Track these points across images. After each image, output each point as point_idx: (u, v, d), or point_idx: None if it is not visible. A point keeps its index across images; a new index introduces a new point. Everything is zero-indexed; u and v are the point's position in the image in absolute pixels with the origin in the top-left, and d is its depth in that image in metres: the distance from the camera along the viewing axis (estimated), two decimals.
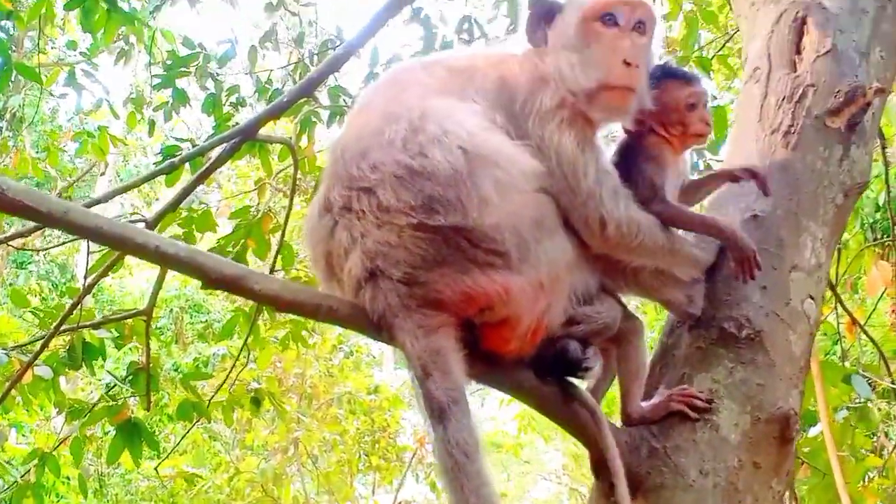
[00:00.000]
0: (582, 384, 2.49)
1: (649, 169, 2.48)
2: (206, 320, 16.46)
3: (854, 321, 5.94)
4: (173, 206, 5.64)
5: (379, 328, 2.24)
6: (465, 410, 2.14)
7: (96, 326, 5.81)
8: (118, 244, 2.14)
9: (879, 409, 10.22)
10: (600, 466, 2.45)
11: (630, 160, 2.52)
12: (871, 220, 10.35)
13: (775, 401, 2.43)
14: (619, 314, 2.47)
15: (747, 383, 2.42)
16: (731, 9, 3.24)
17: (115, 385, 6.44)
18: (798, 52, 2.79)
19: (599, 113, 2.43)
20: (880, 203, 9.26)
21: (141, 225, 5.33)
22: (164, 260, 2.05)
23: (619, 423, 2.53)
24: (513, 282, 2.20)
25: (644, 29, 2.45)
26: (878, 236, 10.69)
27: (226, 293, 6.84)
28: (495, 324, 2.26)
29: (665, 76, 2.59)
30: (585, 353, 2.39)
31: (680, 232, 2.50)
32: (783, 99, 2.72)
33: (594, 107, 2.41)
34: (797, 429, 2.47)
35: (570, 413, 2.44)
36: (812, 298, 2.57)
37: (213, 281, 2.09)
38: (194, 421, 6.71)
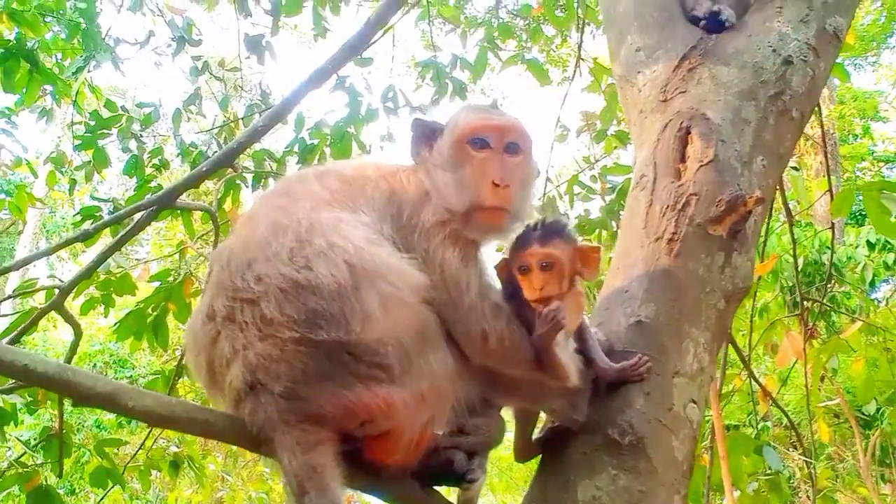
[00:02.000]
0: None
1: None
2: (132, 375, 16.19)
3: (766, 393, 6.05)
4: (88, 273, 5.59)
5: (258, 442, 2.22)
6: None
7: (8, 392, 5.70)
8: None
9: (800, 469, 10.43)
10: None
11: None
12: (790, 284, 10.60)
13: None
14: (503, 428, 2.50)
15: (630, 490, 2.44)
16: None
17: (25, 452, 6.32)
18: (683, 160, 2.88)
19: (475, 232, 2.46)
20: (795, 267, 9.54)
21: (56, 292, 5.31)
22: (32, 379, 2.03)
23: None
24: (395, 395, 2.21)
25: (517, 149, 2.51)
26: (796, 299, 10.97)
27: (149, 347, 6.80)
28: (378, 436, 2.27)
29: (513, 244, 2.54)
30: (471, 464, 2.41)
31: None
32: (667, 207, 2.79)
33: (469, 226, 2.44)
34: None
35: None
36: (695, 403, 2.62)
37: (85, 398, 2.07)
38: (108, 488, 6.57)
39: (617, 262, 2.83)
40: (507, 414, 2.67)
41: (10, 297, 6.42)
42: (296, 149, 7.41)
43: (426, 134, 2.60)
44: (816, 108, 5.29)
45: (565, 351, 2.48)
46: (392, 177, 2.52)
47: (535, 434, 2.67)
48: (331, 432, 2.20)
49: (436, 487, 2.47)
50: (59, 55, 8.63)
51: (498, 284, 2.50)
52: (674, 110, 2.97)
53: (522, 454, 2.67)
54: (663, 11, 3.28)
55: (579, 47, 7.39)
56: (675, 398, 2.58)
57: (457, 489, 2.52)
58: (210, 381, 2.34)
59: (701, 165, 2.82)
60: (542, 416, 2.72)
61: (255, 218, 2.41)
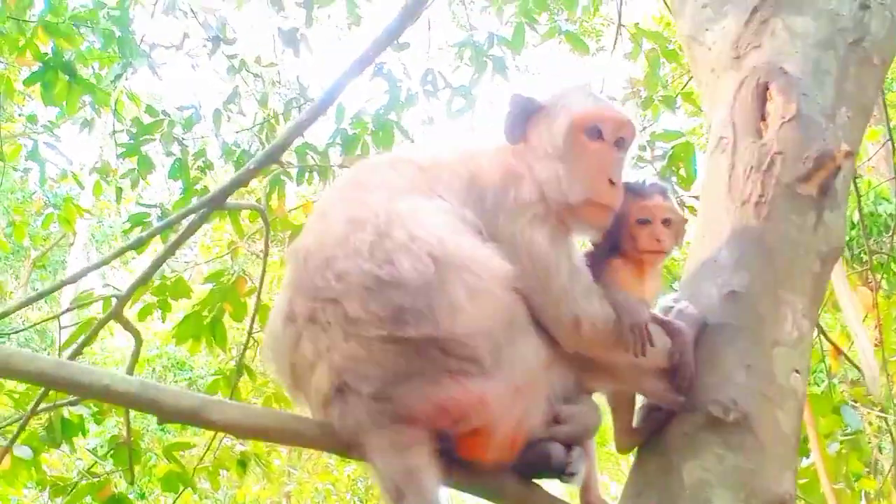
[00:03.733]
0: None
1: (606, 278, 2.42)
2: (190, 377, 16.32)
3: (838, 350, 5.91)
4: (144, 280, 5.57)
5: (349, 447, 2.15)
6: None
7: (74, 404, 5.75)
8: (64, 386, 2.04)
9: (871, 423, 10.24)
10: None
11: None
12: (847, 239, 10.39)
13: (768, 485, 2.33)
14: (599, 414, 2.40)
15: (738, 470, 2.32)
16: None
17: (95, 462, 6.39)
18: (763, 118, 2.73)
19: (577, 225, 2.40)
20: (855, 220, 9.32)
21: (113, 301, 5.30)
22: (115, 399, 1.97)
23: None
24: (488, 389, 2.12)
25: (624, 144, 2.44)
26: (855, 253, 10.75)
27: (207, 349, 6.84)
28: (472, 432, 2.17)
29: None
30: (570, 457, 2.31)
31: None
32: (751, 168, 2.65)
33: (574, 218, 2.37)
34: None
35: None
36: (798, 372, 2.49)
37: (170, 414, 2.00)
38: (179, 491, 6.61)
39: (702, 230, 2.69)
40: (602, 400, 2.57)
41: (69, 309, 6.42)
42: (338, 140, 7.34)
43: (525, 111, 2.47)
44: None
45: (653, 330, 2.37)
46: (471, 160, 2.41)
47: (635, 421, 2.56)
48: (424, 432, 2.12)
49: (536, 481, 2.37)
50: (96, 64, 8.63)
51: (586, 268, 2.38)
52: (749, 66, 2.82)
53: (625, 444, 2.55)
54: None
55: (619, 13, 7.22)
56: (776, 369, 2.45)
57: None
58: (294, 385, 2.27)
59: (783, 122, 2.67)
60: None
61: (329, 212, 2.31)
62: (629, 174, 2.51)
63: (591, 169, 2.37)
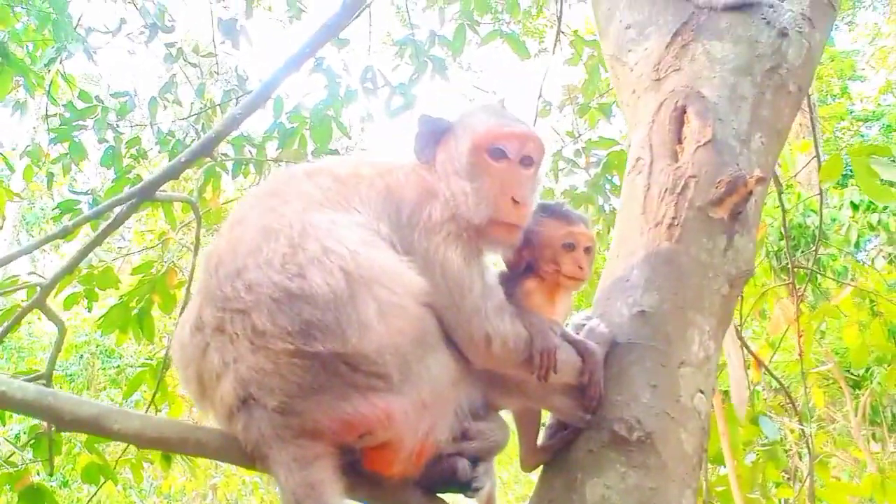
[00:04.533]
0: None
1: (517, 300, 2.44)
2: (119, 365, 16.08)
3: (759, 362, 6.01)
4: (69, 269, 5.49)
5: (252, 459, 2.14)
6: None
7: None
8: None
9: (792, 431, 10.46)
10: None
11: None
12: (776, 249, 10.59)
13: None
14: (507, 431, 2.42)
15: (640, 489, 2.36)
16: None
17: (13, 452, 6.27)
18: (679, 141, 2.78)
19: (486, 244, 2.41)
20: (781, 232, 9.51)
21: (38, 289, 5.20)
22: (12, 406, 1.93)
23: None
24: (395, 405, 2.12)
25: (531, 162, 2.45)
26: (783, 263, 10.96)
27: (135, 339, 6.75)
28: (377, 447, 2.18)
29: (546, 214, 2.56)
30: (475, 472, 2.33)
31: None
32: (665, 191, 2.70)
33: (483, 237, 2.39)
34: None
35: None
36: (702, 392, 2.54)
37: (68, 423, 1.97)
38: (100, 483, 6.52)
39: (616, 249, 2.74)
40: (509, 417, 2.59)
41: None
42: (275, 134, 7.28)
43: (434, 131, 2.49)
44: None
45: (563, 348, 2.40)
46: (388, 175, 2.41)
47: (540, 439, 2.59)
48: (329, 446, 2.11)
49: (441, 496, 2.39)
50: (31, 45, 8.45)
51: (498, 286, 2.40)
52: (668, 89, 2.87)
53: (530, 462, 2.58)
54: None
55: (559, 20, 7.27)
56: (682, 389, 2.49)
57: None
58: (200, 395, 2.24)
59: (699, 146, 2.73)
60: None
61: (244, 221, 2.29)
62: (537, 192, 2.53)
63: (495, 188, 2.38)
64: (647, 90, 2.94)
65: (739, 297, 6.07)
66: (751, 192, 2.66)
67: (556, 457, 2.51)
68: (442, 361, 2.23)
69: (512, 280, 2.51)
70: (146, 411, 6.57)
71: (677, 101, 2.82)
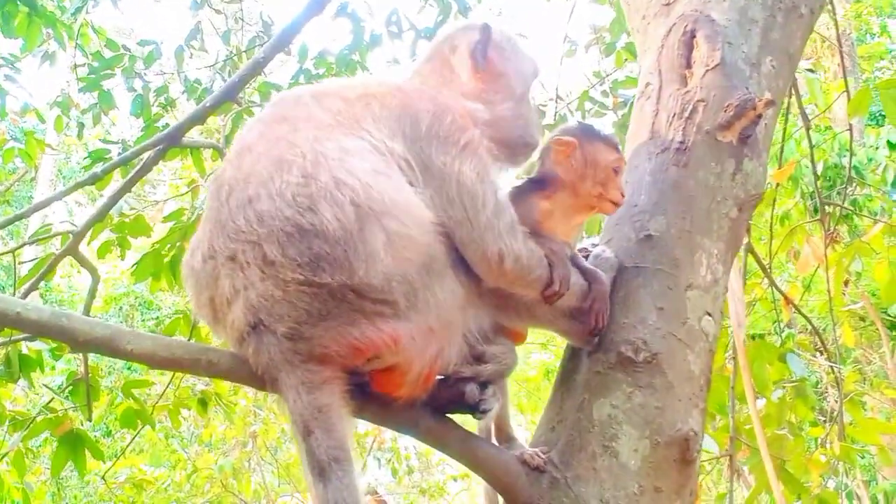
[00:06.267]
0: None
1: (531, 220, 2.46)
2: (157, 317, 16.32)
3: (788, 300, 5.99)
4: (100, 216, 5.59)
5: (262, 381, 2.19)
6: (348, 469, 2.09)
7: (32, 339, 5.76)
8: None
9: (828, 373, 10.42)
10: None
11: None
12: (810, 189, 10.46)
13: (675, 423, 2.41)
14: (516, 355, 2.46)
15: (646, 407, 2.40)
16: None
17: (53, 398, 6.42)
18: (689, 66, 2.77)
19: (505, 159, 2.53)
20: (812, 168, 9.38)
21: (70, 236, 5.30)
22: (27, 326, 1.99)
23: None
24: (401, 330, 2.16)
25: None
26: (818, 205, 10.83)
27: (175, 289, 6.86)
28: (385, 370, 2.22)
29: (594, 136, 2.56)
30: (483, 394, 2.37)
31: None
32: (674, 115, 2.70)
33: (505, 153, 2.52)
34: (698, 449, 2.46)
35: (469, 449, 2.41)
36: (710, 315, 2.56)
37: (82, 343, 2.03)
38: (138, 428, 6.68)
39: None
40: None
41: (25, 244, 6.40)
42: (301, 80, 7.31)
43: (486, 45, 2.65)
44: (829, 7, 5.13)
45: (574, 271, 2.43)
46: (400, 92, 2.44)
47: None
48: (336, 371, 2.16)
49: (450, 416, 2.43)
50: None
51: (510, 204, 2.42)
52: (677, 13, 2.85)
53: None
54: None
55: None
56: (688, 312, 2.51)
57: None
58: (213, 319, 2.28)
59: (707, 70, 2.71)
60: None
61: (252, 148, 2.29)
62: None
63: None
64: (656, 15, 2.92)
65: (769, 235, 6.07)
66: (760, 116, 2.65)
67: (564, 377, 2.55)
68: (448, 287, 2.26)
69: (521, 199, 2.51)
70: None
71: (686, 26, 2.80)
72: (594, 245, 2.63)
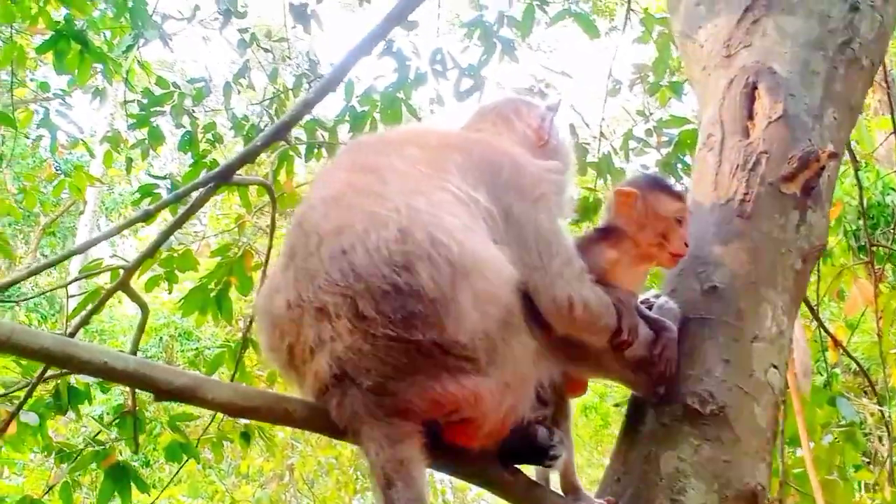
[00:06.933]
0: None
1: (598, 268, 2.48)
2: (197, 347, 16.39)
3: (836, 343, 5.94)
4: (151, 252, 5.68)
5: (341, 431, 2.21)
6: None
7: (80, 372, 5.82)
8: (64, 362, 2.12)
9: (872, 414, 10.27)
10: None
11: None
12: (854, 228, 10.38)
13: (742, 476, 2.41)
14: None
15: (714, 461, 2.40)
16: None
17: (101, 430, 6.49)
18: (750, 117, 2.79)
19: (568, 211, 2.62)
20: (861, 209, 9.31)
21: (120, 272, 5.39)
22: (112, 375, 2.04)
23: None
24: (482, 385, 2.18)
25: None
26: (862, 243, 10.75)
27: (213, 321, 6.93)
28: (461, 422, 2.24)
29: (656, 186, 2.59)
30: (552, 440, 2.38)
31: None
32: (737, 167, 2.72)
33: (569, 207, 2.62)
34: (765, 502, 2.46)
35: (535, 499, 2.43)
36: (775, 367, 2.56)
37: (165, 392, 2.07)
38: (183, 461, 6.74)
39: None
40: None
41: (77, 278, 6.50)
42: (347, 117, 7.39)
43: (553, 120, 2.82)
44: None
45: (640, 322, 2.45)
46: (479, 143, 2.53)
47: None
48: (417, 424, 2.18)
49: (518, 466, 2.45)
50: (108, 33, 8.68)
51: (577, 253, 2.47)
52: (739, 65, 2.88)
53: None
54: None
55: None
56: (755, 364, 2.52)
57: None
58: (288, 365, 2.30)
59: (770, 122, 2.74)
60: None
61: (341, 199, 2.31)
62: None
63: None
64: (717, 67, 2.95)
65: (816, 276, 6.04)
66: (823, 168, 2.66)
67: (630, 428, 2.56)
68: (524, 342, 2.28)
69: (588, 248, 2.55)
70: None
71: (748, 78, 2.83)
72: (657, 296, 2.65)
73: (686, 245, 2.55)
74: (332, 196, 2.34)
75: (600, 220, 2.68)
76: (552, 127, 2.76)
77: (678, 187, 2.63)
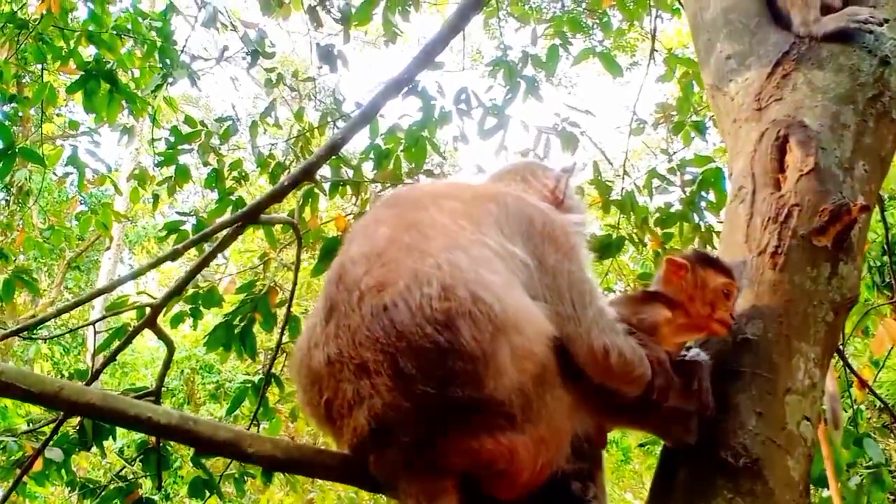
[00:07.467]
0: None
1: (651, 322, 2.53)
2: (218, 380, 16.49)
3: (862, 382, 5.92)
4: (178, 290, 5.75)
5: (378, 485, 2.24)
6: None
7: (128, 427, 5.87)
8: (111, 418, 2.17)
9: None
10: None
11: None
12: (879, 264, 10.34)
13: None
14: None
15: None
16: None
17: (124, 467, 6.53)
18: (782, 170, 2.82)
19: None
20: (885, 247, 9.28)
21: (147, 309, 5.46)
22: (157, 431, 2.08)
23: None
24: (518, 441, 2.19)
25: None
26: (886, 280, 10.70)
27: (235, 355, 6.97)
28: (495, 475, 2.25)
29: (707, 262, 2.62)
30: (586, 493, 2.40)
31: None
32: (768, 219, 2.74)
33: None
34: None
35: None
36: (808, 419, 2.57)
37: (206, 446, 2.11)
38: (206, 497, 6.76)
39: None
40: None
41: (104, 316, 6.57)
42: (371, 155, 7.46)
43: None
44: None
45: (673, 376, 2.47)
46: (512, 196, 2.57)
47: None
48: (454, 479, 2.20)
49: None
50: (136, 71, 8.81)
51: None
52: (769, 118, 2.92)
53: None
54: (752, 17, 3.21)
55: (653, 38, 7.29)
56: (787, 417, 2.53)
57: None
58: (326, 419, 2.31)
59: (801, 175, 2.77)
60: None
61: (383, 253, 2.31)
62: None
63: None
64: (748, 120, 2.99)
65: None
66: (854, 220, 2.68)
67: (663, 479, 2.57)
68: (559, 396, 2.30)
69: (645, 303, 2.60)
70: (248, 426, 6.81)
71: (779, 131, 2.86)
72: (688, 348, 2.66)
73: (732, 317, 2.57)
74: (373, 251, 2.34)
75: (653, 284, 2.72)
76: (567, 188, 2.84)
77: (728, 265, 2.65)
